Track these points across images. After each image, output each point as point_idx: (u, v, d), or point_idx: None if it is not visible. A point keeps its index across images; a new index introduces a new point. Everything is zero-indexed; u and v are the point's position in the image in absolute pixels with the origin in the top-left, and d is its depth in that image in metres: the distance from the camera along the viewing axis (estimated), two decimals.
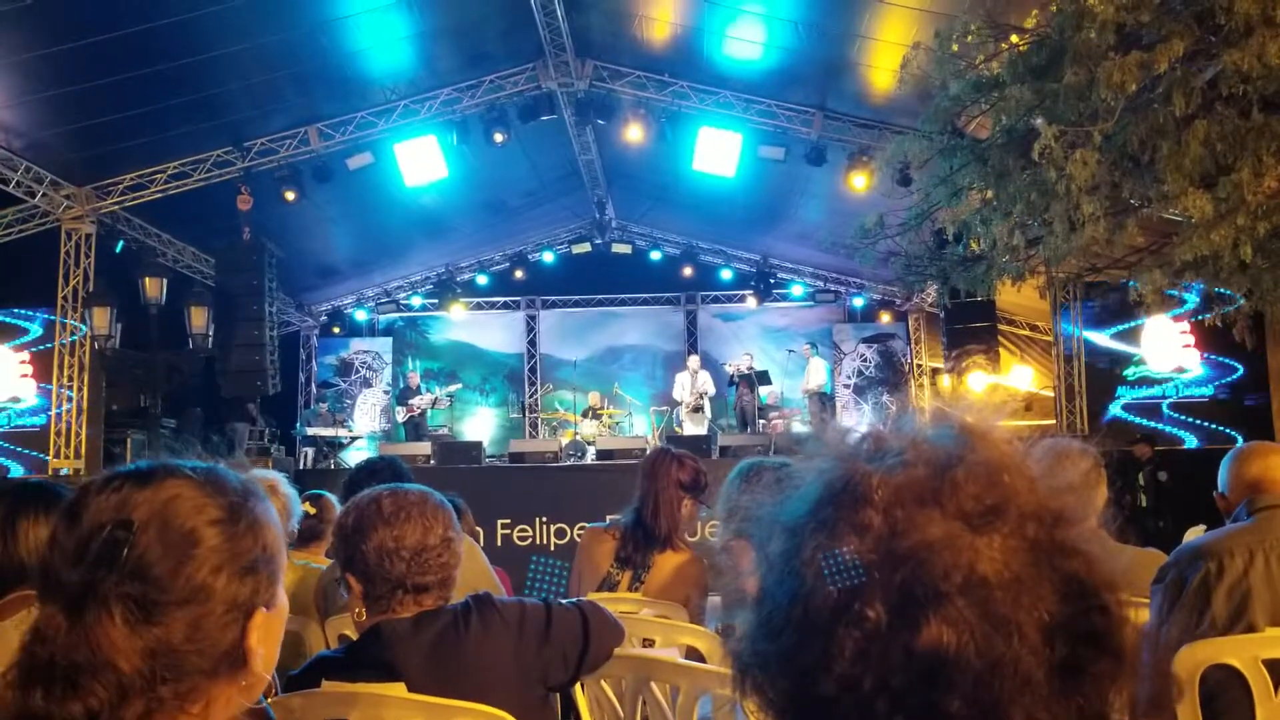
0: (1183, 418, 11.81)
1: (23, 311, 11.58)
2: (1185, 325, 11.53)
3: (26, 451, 11.32)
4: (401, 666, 1.84)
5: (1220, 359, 11.59)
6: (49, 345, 11.39)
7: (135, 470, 1.01)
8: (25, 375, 11.45)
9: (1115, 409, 12.04)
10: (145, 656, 0.92)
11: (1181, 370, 11.85)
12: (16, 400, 11.40)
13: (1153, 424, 11.68)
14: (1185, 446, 11.51)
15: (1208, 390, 11.78)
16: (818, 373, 14.50)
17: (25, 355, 11.49)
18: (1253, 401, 11.39)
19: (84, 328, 11.00)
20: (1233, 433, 11.16)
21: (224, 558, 0.98)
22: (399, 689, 1.81)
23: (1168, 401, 11.89)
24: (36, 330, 11.53)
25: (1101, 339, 12.18)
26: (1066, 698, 0.64)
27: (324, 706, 1.84)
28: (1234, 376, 11.58)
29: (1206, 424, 11.69)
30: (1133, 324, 11.94)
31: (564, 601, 2.11)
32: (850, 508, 0.69)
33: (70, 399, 11.21)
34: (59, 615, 0.92)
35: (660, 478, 3.24)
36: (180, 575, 0.95)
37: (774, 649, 0.69)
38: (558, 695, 2.55)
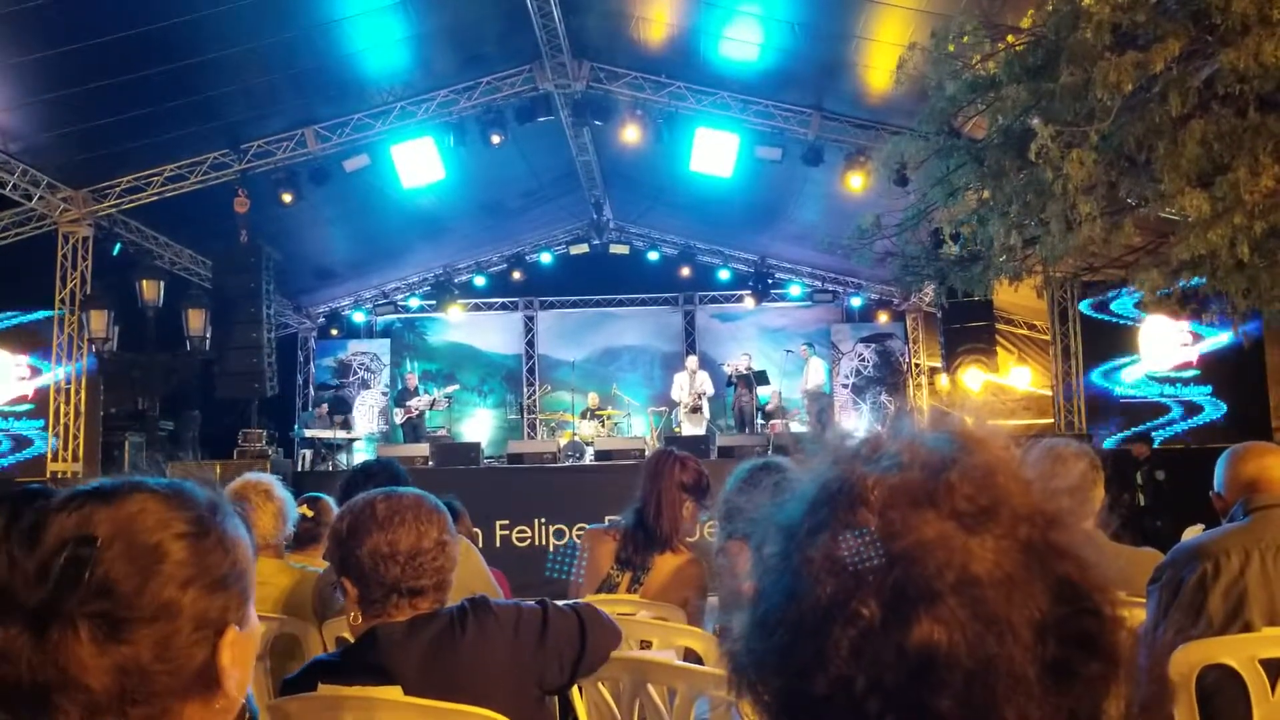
0: (1181, 416, 11.83)
1: (20, 314, 11.57)
2: (1183, 324, 11.55)
3: (25, 454, 11.31)
4: (396, 670, 1.84)
5: (1218, 357, 11.61)
6: (46, 348, 11.38)
7: (98, 487, 0.97)
8: (22, 378, 11.45)
9: (1113, 406, 12.05)
10: (115, 674, 0.89)
11: (1179, 368, 11.88)
12: (14, 403, 11.39)
13: (1150, 423, 11.70)
14: (1183, 445, 11.53)
15: (1205, 388, 11.80)
16: (816, 373, 14.52)
17: (22, 358, 11.48)
18: (1250, 399, 11.41)
19: (82, 330, 10.99)
20: (1230, 432, 11.18)
21: (191, 573, 0.95)
22: (395, 692, 1.81)
23: (1165, 400, 11.91)
24: (33, 333, 11.52)
25: (1099, 337, 12.19)
26: (1058, 698, 0.64)
27: (319, 710, 1.84)
28: (1232, 375, 11.60)
29: (1204, 422, 11.71)
30: (1131, 322, 11.97)
31: (561, 604, 2.11)
32: (846, 508, 0.69)
33: (68, 401, 11.20)
34: (22, 635, 0.89)
35: (663, 479, 3.24)
36: (146, 592, 0.91)
37: (768, 648, 0.70)
38: (555, 698, 2.55)
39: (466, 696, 1.83)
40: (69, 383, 11.21)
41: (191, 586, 0.94)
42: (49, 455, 11.10)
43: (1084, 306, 12.13)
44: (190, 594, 0.94)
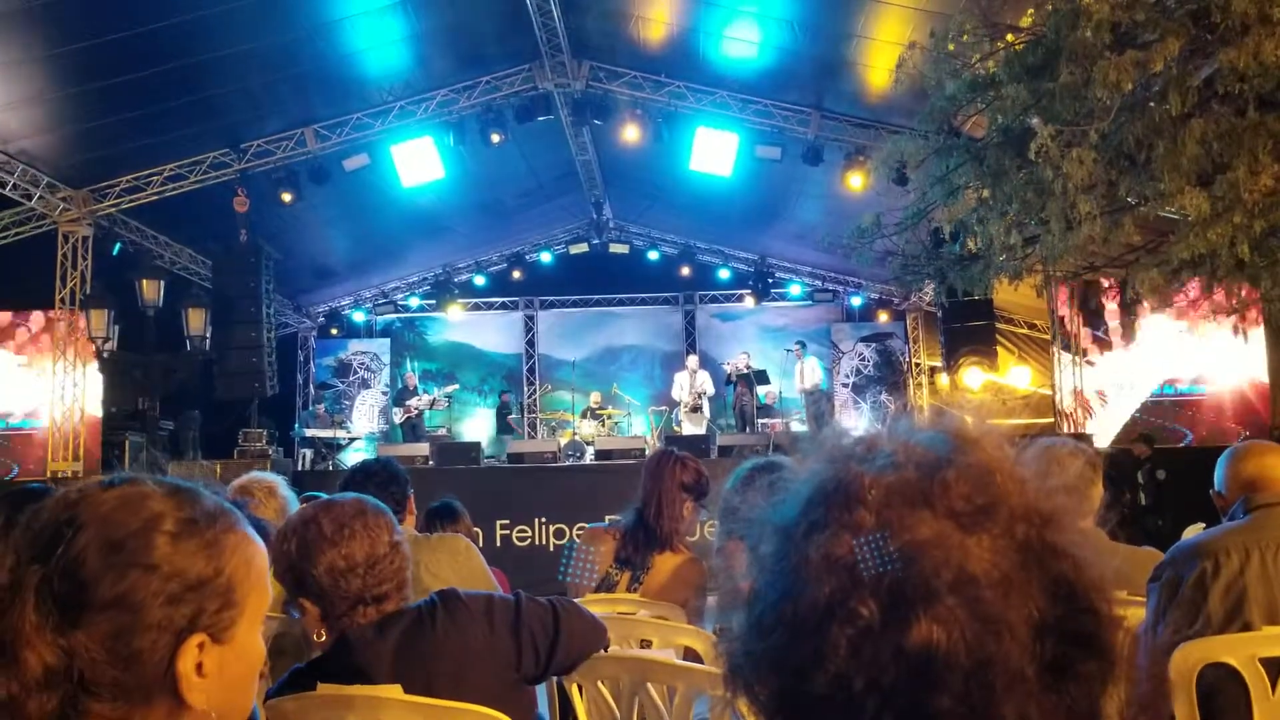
0: (1181, 415, 11.82)
1: (20, 314, 11.57)
2: (1183, 324, 11.55)
3: (25, 453, 11.30)
4: (371, 670, 1.84)
5: (1218, 357, 11.59)
6: (46, 348, 11.37)
7: (110, 477, 0.98)
8: (22, 378, 11.44)
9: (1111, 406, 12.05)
10: (58, 655, 0.89)
11: (1179, 368, 11.87)
12: (14, 404, 11.39)
13: (1151, 421, 11.69)
14: (1183, 445, 11.52)
15: (1205, 388, 11.79)
16: (812, 372, 14.46)
17: (24, 358, 11.48)
18: (1250, 399, 11.41)
19: (82, 330, 10.99)
20: (1230, 430, 11.17)
21: (164, 571, 0.93)
22: (395, 690, 1.81)
23: (1166, 399, 11.90)
24: (34, 333, 11.52)
25: (1098, 336, 12.18)
26: (1056, 696, 0.64)
27: (319, 710, 1.83)
28: (1231, 373, 11.59)
29: (1204, 422, 11.70)
30: (1129, 322, 11.96)
31: (539, 597, 2.11)
32: (842, 508, 0.69)
33: (68, 402, 11.20)
34: None
35: (663, 478, 3.24)
36: (106, 579, 0.91)
37: (765, 648, 0.70)
38: (555, 699, 2.55)
39: (444, 686, 1.83)
40: (69, 383, 11.21)
41: (156, 583, 0.93)
42: (49, 455, 11.10)
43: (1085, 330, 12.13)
44: (154, 588, 0.92)
